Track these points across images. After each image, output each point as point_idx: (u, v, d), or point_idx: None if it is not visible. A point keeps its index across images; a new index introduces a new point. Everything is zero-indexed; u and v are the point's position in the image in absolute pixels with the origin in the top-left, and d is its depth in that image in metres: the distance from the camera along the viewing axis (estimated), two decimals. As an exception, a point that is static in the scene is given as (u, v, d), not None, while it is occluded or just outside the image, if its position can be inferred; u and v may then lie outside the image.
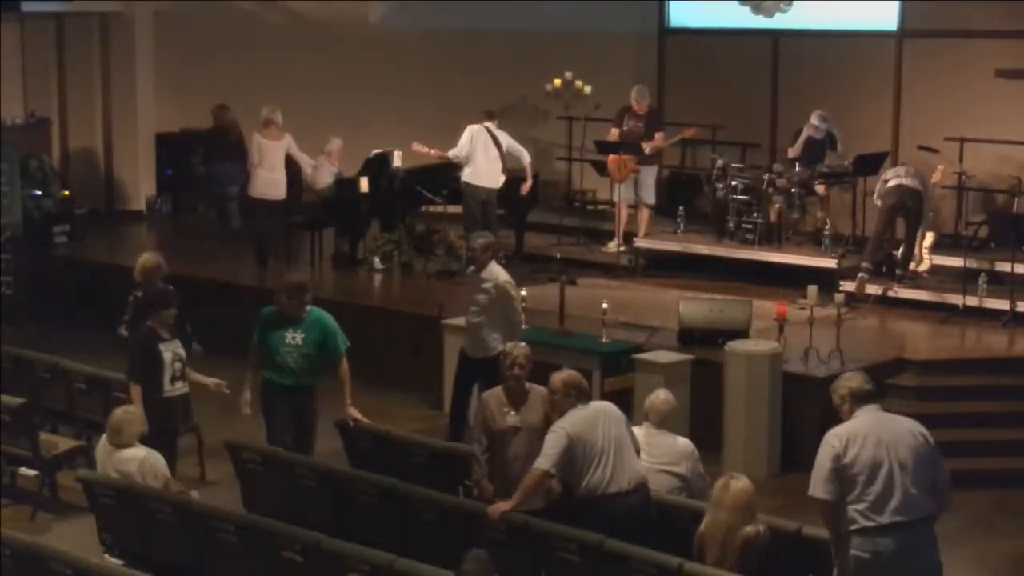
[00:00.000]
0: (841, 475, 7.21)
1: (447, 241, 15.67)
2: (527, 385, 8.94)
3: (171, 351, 9.92)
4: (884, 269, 13.97)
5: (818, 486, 7.26)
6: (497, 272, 11.10)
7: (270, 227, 15.89)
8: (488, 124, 14.80)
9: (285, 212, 16.05)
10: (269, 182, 15.51)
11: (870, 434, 7.25)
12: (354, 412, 9.99)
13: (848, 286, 13.48)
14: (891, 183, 13.73)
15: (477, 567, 6.73)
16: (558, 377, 8.45)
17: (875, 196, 14.02)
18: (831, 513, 7.30)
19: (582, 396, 8.38)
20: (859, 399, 7.39)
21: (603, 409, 8.44)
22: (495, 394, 9.00)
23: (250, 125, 16.65)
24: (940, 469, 7.41)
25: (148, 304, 10.20)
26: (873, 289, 13.60)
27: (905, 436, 7.31)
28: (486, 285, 10.98)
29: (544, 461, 8.18)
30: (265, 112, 15.49)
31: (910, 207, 13.67)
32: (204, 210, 17.91)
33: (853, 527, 7.23)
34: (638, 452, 8.49)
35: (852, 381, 7.47)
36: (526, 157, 15.16)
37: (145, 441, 8.96)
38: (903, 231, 13.98)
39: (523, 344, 9.10)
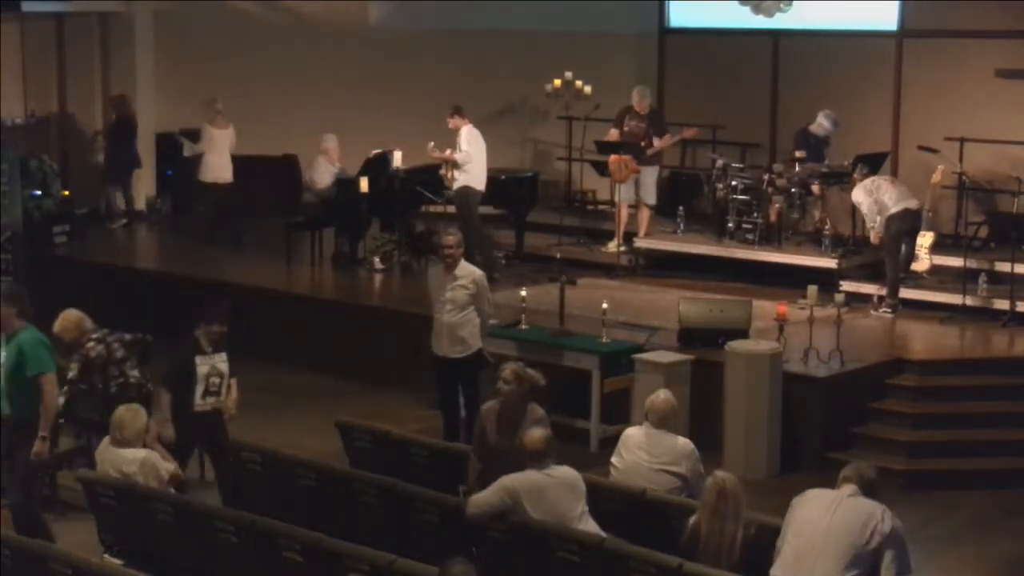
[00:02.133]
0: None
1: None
2: (527, 405, 8.69)
3: (208, 364, 9.70)
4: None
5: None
6: (470, 267, 10.96)
7: (222, 209, 16.96)
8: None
9: (285, 212, 16.12)
10: (220, 167, 16.94)
11: (824, 497, 7.41)
12: (37, 447, 9.00)
13: (847, 287, 13.50)
14: (896, 208, 13.17)
15: (463, 570, 6.62)
16: (526, 435, 8.07)
17: (869, 219, 13.38)
18: None
19: (540, 459, 7.94)
20: (843, 479, 7.52)
21: (562, 481, 8.00)
22: (493, 409, 8.85)
23: (248, 125, 17.02)
24: (889, 556, 7.19)
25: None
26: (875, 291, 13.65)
27: (856, 513, 7.25)
28: (463, 281, 10.80)
29: (474, 509, 7.94)
30: (215, 104, 16.93)
31: (916, 227, 13.46)
32: (108, 188, 18.28)
33: None
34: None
35: (853, 466, 7.64)
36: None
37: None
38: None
39: (516, 364, 8.92)
